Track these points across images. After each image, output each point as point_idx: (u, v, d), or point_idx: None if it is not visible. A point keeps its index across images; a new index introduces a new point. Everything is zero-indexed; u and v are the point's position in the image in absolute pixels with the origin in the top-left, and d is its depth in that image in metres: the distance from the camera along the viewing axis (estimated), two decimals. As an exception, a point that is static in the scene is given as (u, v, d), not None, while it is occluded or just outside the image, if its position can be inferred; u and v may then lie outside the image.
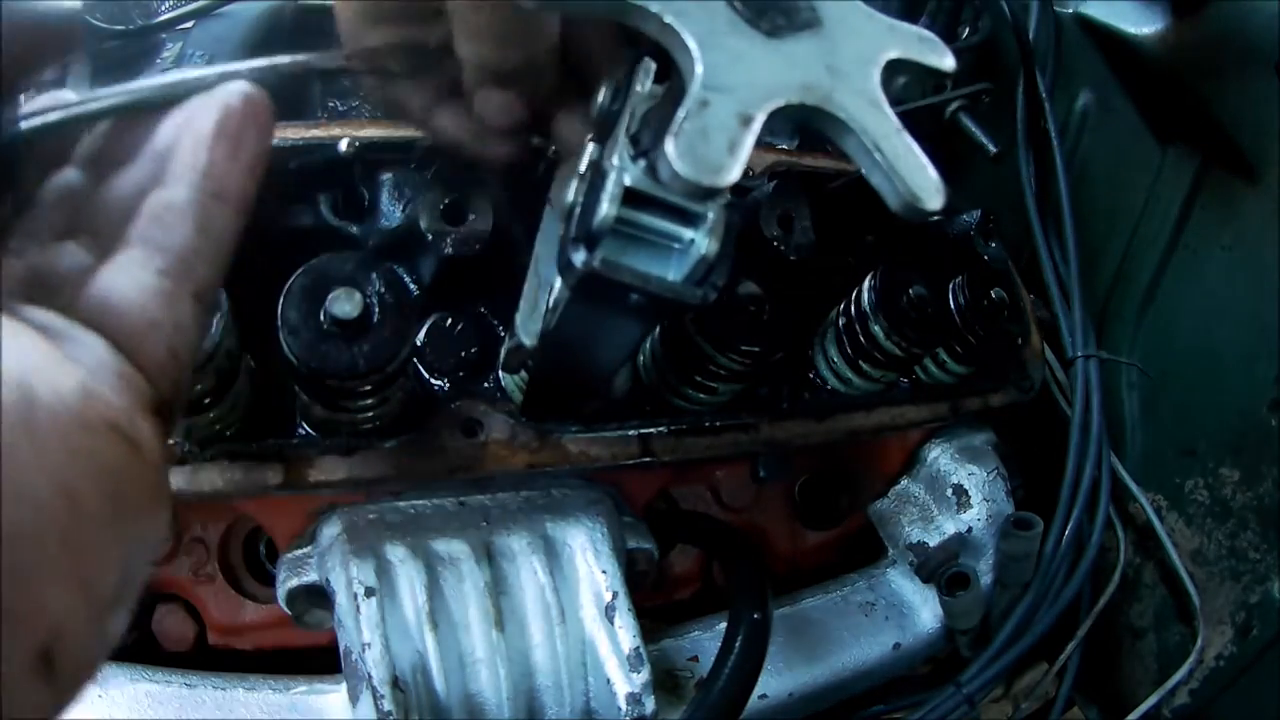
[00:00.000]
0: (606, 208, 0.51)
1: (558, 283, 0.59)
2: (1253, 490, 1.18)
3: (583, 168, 0.57)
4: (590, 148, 0.58)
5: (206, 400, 0.79)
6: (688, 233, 0.54)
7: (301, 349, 0.73)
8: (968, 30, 1.39)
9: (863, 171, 0.47)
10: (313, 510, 0.90)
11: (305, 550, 0.89)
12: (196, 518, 0.97)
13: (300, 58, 0.59)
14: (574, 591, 0.89)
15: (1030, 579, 1.14)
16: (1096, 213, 1.34)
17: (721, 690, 0.91)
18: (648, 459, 0.93)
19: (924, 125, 1.26)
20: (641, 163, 0.52)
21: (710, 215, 0.53)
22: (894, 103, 0.48)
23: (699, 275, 0.54)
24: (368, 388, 0.78)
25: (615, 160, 0.52)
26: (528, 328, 0.74)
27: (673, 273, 0.55)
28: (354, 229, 0.96)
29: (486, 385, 0.93)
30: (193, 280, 0.47)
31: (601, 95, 0.60)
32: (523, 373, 0.87)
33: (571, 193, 0.57)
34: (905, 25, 0.51)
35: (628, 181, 0.51)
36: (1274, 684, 1.15)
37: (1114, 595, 1.22)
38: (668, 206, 0.53)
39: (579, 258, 0.53)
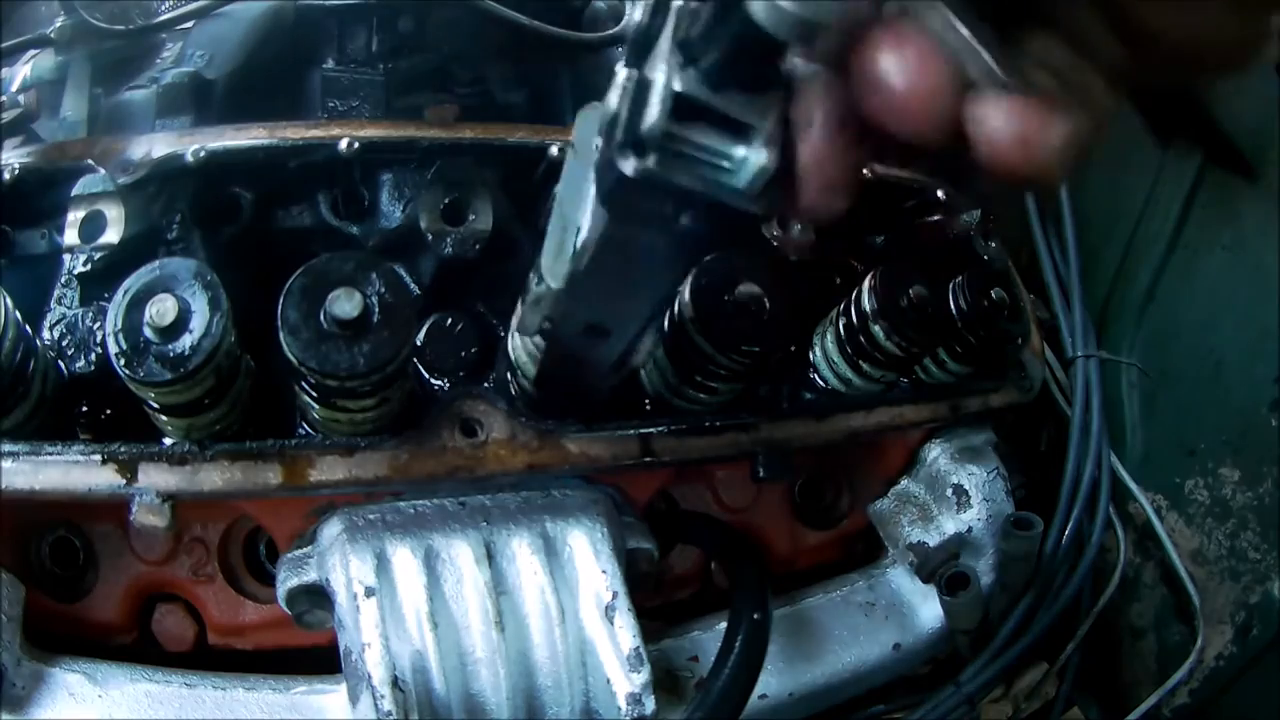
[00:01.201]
0: (657, 110, 0.47)
1: (586, 221, 0.56)
2: (1253, 490, 1.18)
3: (616, 93, 0.52)
4: (624, 73, 0.52)
5: (206, 400, 0.79)
6: (739, 150, 0.49)
7: (301, 349, 0.73)
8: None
9: None
10: (313, 510, 0.90)
11: (305, 550, 0.89)
12: (196, 518, 0.96)
13: None
14: (574, 591, 0.89)
15: (1030, 579, 1.13)
16: (1096, 213, 1.34)
17: (721, 690, 0.91)
18: (648, 459, 0.93)
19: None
20: (691, 70, 0.48)
21: (765, 125, 0.49)
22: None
23: (756, 188, 0.50)
24: (368, 388, 0.78)
25: (663, 67, 0.48)
26: (555, 270, 0.67)
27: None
28: (354, 229, 0.96)
29: (486, 385, 0.93)
30: None
31: (639, 14, 0.56)
32: (535, 350, 0.83)
33: (614, 102, 0.51)
34: None
35: (678, 87, 0.47)
36: (1274, 684, 1.16)
37: (1114, 595, 1.22)
38: (717, 119, 0.49)
39: (629, 165, 0.49)
